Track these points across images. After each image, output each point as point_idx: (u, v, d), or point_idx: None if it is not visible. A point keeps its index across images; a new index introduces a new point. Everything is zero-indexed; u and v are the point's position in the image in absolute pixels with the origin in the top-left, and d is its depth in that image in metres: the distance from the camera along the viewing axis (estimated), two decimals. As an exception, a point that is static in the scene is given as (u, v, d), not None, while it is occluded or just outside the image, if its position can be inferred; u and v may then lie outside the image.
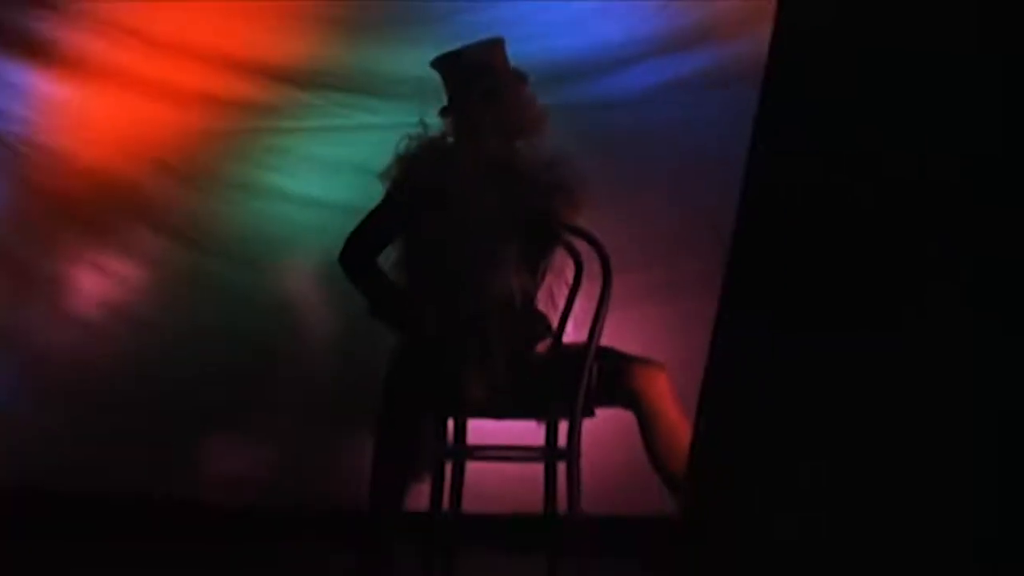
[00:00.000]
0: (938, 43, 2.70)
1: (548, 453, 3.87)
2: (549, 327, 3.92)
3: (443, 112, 4.00)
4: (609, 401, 3.83)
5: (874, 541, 2.64)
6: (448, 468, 3.79)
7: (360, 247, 3.94)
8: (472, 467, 3.78)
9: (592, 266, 3.77)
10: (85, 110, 4.94)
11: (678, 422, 3.73)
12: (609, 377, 3.79)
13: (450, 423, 3.82)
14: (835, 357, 2.70)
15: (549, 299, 4.01)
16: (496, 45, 4.02)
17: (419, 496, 3.80)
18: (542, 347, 3.88)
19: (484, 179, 3.91)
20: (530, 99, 3.99)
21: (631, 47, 4.75)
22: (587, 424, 3.78)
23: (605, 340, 3.78)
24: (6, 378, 4.92)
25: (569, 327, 3.93)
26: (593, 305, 3.75)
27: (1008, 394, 2.52)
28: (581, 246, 3.79)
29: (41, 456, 4.81)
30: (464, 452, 3.75)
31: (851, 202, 2.76)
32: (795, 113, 2.87)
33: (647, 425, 3.79)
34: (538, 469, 3.92)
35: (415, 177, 3.89)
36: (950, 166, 2.67)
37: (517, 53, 4.12)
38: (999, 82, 2.62)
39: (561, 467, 3.77)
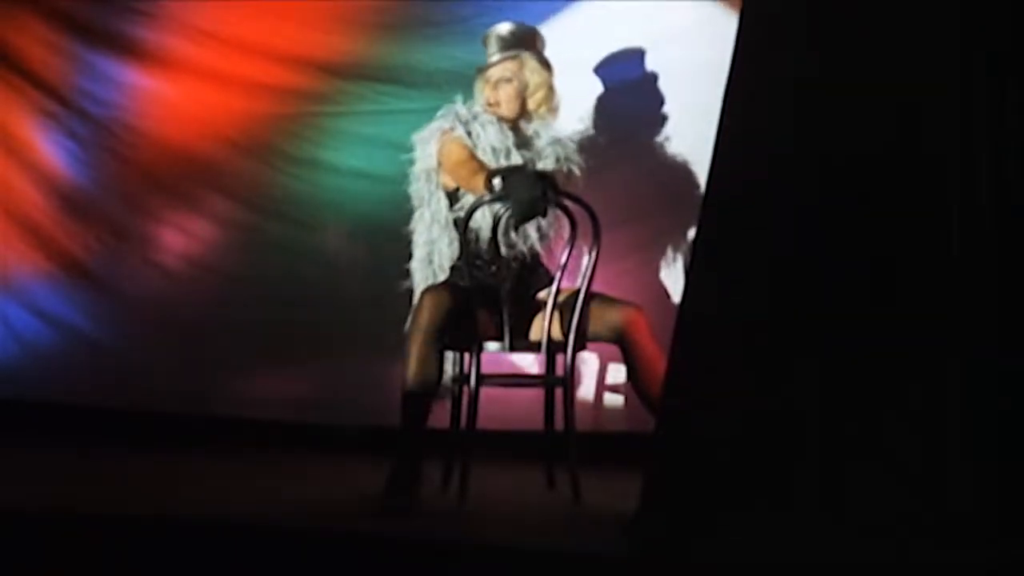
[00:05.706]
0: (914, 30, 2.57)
1: (548, 380, 3.83)
2: (549, 276, 3.82)
3: (480, 71, 3.87)
4: (598, 338, 3.74)
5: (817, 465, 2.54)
6: (465, 393, 3.71)
7: None
8: (485, 392, 3.70)
9: (584, 227, 3.67)
10: (168, 98, 5.01)
11: (655, 354, 3.64)
12: (598, 318, 3.70)
13: (467, 355, 3.72)
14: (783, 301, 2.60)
15: (550, 254, 3.90)
16: (535, 31, 3.90)
17: (441, 416, 3.70)
18: (543, 293, 3.79)
19: (505, 151, 3.80)
20: (550, 81, 3.88)
21: (620, 44, 4.62)
22: (580, 356, 3.69)
23: (594, 287, 3.69)
24: (105, 316, 4.98)
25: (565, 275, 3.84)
26: (585, 258, 3.66)
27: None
28: (576, 210, 3.68)
29: (126, 380, 4.88)
30: (479, 379, 3.66)
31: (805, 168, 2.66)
32: (757, 97, 2.78)
33: (629, 357, 3.71)
34: (539, 393, 3.93)
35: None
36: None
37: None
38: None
39: (558, 392, 3.71)
